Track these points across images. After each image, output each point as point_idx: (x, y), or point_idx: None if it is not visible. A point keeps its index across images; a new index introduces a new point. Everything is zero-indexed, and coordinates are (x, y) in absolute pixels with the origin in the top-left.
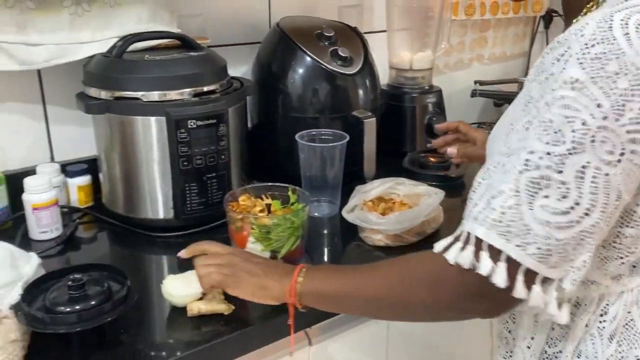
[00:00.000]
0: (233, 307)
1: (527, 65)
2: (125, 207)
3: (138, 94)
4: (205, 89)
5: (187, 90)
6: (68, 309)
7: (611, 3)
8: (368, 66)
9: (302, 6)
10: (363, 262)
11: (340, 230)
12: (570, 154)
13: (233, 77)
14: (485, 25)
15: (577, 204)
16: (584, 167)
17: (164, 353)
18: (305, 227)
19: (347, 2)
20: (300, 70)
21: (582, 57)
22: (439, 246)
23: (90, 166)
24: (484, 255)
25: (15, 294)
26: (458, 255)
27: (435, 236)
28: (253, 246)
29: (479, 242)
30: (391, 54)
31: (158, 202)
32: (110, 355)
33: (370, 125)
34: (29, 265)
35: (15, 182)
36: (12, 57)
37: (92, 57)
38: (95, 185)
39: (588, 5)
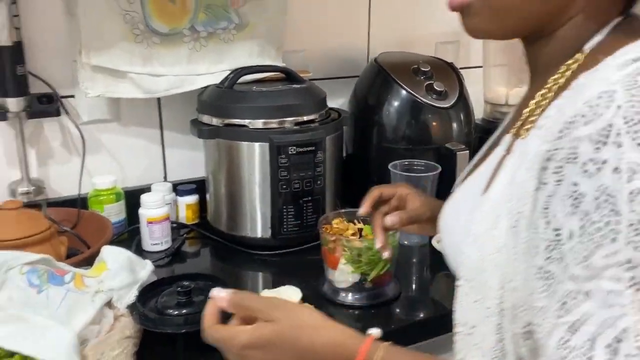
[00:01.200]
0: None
1: None
2: (227, 225)
3: (245, 122)
4: (305, 118)
5: (289, 119)
6: (176, 312)
7: (607, 51)
8: (463, 100)
9: (400, 42)
10: (451, 292)
11: (430, 259)
12: None
13: (331, 108)
14: None
15: None
16: None
17: None
18: (395, 254)
19: (444, 38)
20: (396, 103)
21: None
22: None
23: (198, 186)
24: None
25: (131, 296)
26: None
27: None
28: (344, 267)
29: None
30: (487, 89)
31: (257, 222)
32: (210, 357)
33: (462, 158)
34: (144, 271)
35: (132, 198)
36: (139, 87)
37: (206, 87)
38: (202, 204)
39: (568, 62)
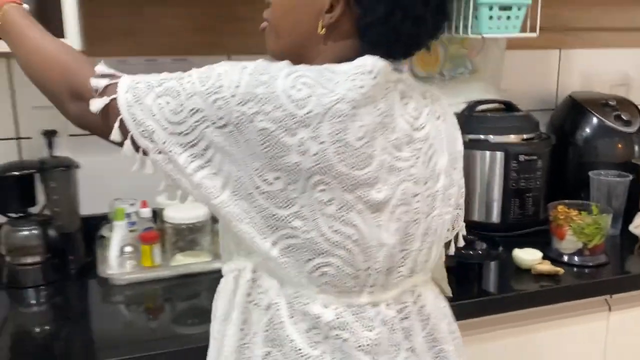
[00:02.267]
0: (562, 271)
1: None
2: (465, 213)
3: (488, 137)
4: (525, 136)
5: (517, 135)
6: None
7: None
8: None
9: (582, 83)
10: (636, 264)
11: (620, 243)
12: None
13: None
14: None
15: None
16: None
17: (514, 287)
18: (605, 232)
19: (616, 82)
20: (588, 129)
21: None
22: (98, 83)
23: None
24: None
25: None
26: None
27: None
28: (570, 237)
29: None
30: None
31: (492, 210)
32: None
33: None
34: None
35: None
36: None
37: None
38: None
39: None
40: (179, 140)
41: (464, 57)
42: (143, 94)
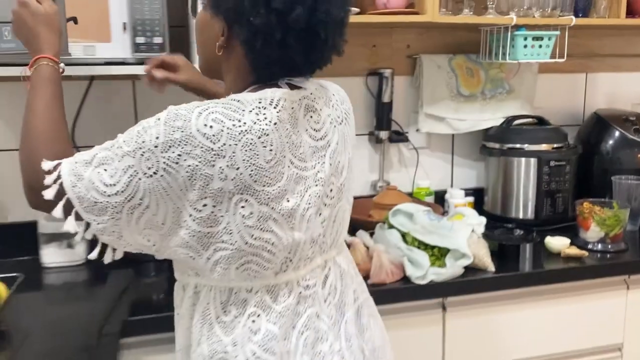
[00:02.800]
0: (587, 253)
1: None
2: (501, 210)
3: (523, 146)
4: (555, 146)
5: (549, 145)
6: None
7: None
8: None
9: (606, 102)
10: None
11: (638, 236)
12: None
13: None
14: None
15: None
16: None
17: (545, 267)
18: (624, 224)
19: (635, 100)
20: (611, 141)
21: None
22: (47, 165)
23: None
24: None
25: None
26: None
27: None
28: (594, 228)
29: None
30: None
31: (527, 208)
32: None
33: None
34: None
35: (437, 194)
36: (450, 126)
37: (490, 127)
38: (477, 203)
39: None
40: (117, 199)
41: (502, 79)
42: (82, 171)
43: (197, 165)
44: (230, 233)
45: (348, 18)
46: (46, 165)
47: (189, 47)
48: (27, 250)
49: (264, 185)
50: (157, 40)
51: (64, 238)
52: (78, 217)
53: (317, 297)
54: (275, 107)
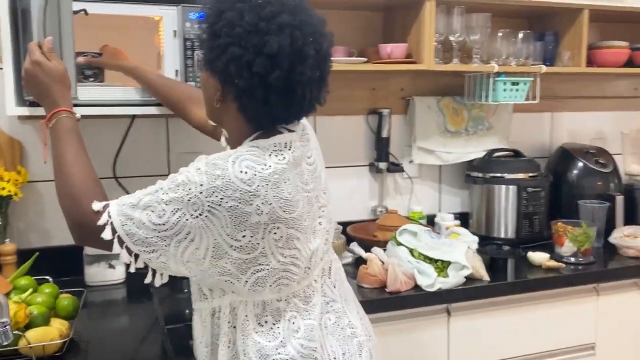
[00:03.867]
0: (564, 266)
1: None
2: (485, 230)
3: (504, 175)
4: (530, 175)
5: (525, 174)
6: None
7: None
8: (615, 169)
9: (569, 137)
10: (618, 263)
11: (602, 250)
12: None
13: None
14: None
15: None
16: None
17: (529, 277)
18: (592, 240)
19: (594, 135)
20: (576, 171)
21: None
22: (97, 206)
23: (455, 216)
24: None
25: (474, 246)
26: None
27: None
28: (568, 244)
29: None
30: (626, 166)
31: (508, 228)
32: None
33: (619, 200)
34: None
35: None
36: (438, 158)
37: (473, 159)
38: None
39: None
40: (166, 234)
41: (483, 117)
42: (130, 212)
43: (237, 205)
44: (265, 255)
45: (326, 75)
46: (96, 206)
47: None
48: (69, 271)
49: (290, 213)
50: None
51: (106, 259)
52: (129, 251)
53: (328, 287)
54: (289, 149)
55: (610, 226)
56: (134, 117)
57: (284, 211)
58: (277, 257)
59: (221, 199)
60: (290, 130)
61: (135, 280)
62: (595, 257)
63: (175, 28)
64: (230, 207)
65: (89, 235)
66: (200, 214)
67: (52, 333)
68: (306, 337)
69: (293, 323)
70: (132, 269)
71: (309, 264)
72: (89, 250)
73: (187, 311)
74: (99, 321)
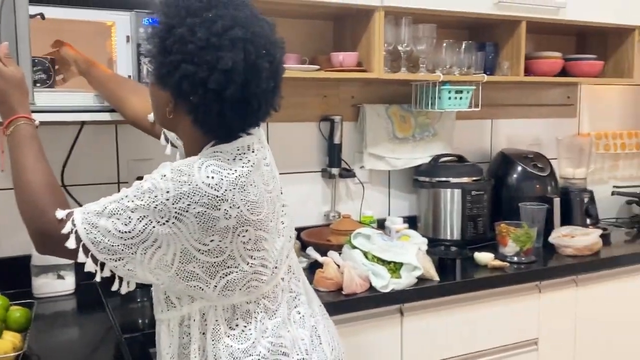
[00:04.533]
0: (508, 265)
1: None
2: (433, 232)
3: (449, 179)
4: (474, 179)
5: (469, 178)
6: None
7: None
8: (552, 173)
9: (508, 142)
10: (557, 261)
11: (543, 250)
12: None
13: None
14: (617, 157)
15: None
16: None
17: (475, 277)
18: (533, 240)
19: (531, 141)
20: (515, 175)
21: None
22: (61, 214)
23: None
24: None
25: (424, 246)
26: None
27: (597, 254)
28: (511, 244)
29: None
30: (561, 169)
31: (454, 230)
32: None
33: (557, 202)
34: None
35: (379, 222)
36: (388, 164)
37: (421, 165)
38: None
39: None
40: (132, 242)
41: (429, 124)
42: (95, 220)
43: (205, 211)
44: (234, 258)
45: (280, 83)
46: (60, 214)
47: None
48: (15, 283)
49: (257, 215)
50: None
51: (55, 270)
52: (94, 259)
53: (294, 282)
54: (252, 152)
55: (549, 227)
56: (82, 123)
57: (252, 213)
58: (246, 260)
59: (188, 205)
60: (248, 133)
61: (85, 291)
62: (536, 256)
63: (129, 33)
64: (198, 212)
65: (53, 244)
66: (167, 221)
67: (5, 346)
68: (274, 334)
69: (262, 323)
70: (97, 278)
71: (276, 264)
72: (36, 261)
73: (141, 320)
74: (51, 333)
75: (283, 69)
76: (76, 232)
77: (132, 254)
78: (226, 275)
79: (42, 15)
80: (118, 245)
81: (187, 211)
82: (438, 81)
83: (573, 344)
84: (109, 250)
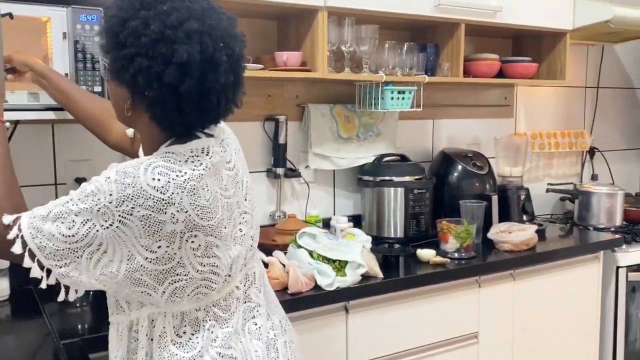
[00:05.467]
0: (449, 261)
1: (581, 179)
2: (377, 231)
3: (392, 178)
4: (416, 177)
5: (412, 177)
6: None
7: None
8: (490, 171)
9: (448, 142)
10: (495, 257)
11: (482, 246)
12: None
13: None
14: (552, 155)
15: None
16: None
17: (418, 273)
18: (473, 236)
19: (470, 140)
20: (456, 173)
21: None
22: (7, 219)
23: (348, 218)
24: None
25: (368, 245)
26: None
27: (533, 249)
28: (452, 240)
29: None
30: (499, 168)
31: (397, 228)
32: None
33: (495, 199)
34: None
35: (324, 221)
36: (333, 164)
37: (365, 164)
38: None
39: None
40: (77, 246)
41: (372, 124)
42: (40, 224)
43: (150, 214)
44: (183, 266)
45: (240, 78)
46: (6, 219)
47: None
48: None
49: (208, 220)
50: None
51: None
52: (40, 265)
53: (254, 292)
54: (207, 155)
55: (487, 223)
56: (17, 122)
57: (202, 219)
58: (195, 267)
59: (132, 208)
60: (208, 135)
61: (21, 296)
62: (476, 252)
63: (65, 30)
64: (143, 216)
65: (2, 250)
66: (110, 225)
67: None
68: (223, 345)
69: (212, 332)
70: (43, 285)
71: (229, 272)
72: None
73: (80, 325)
74: None
75: (244, 63)
76: (22, 237)
77: (78, 258)
78: (175, 282)
79: (10, 15)
80: (63, 250)
81: (131, 214)
82: (381, 82)
83: (511, 336)
84: (54, 255)
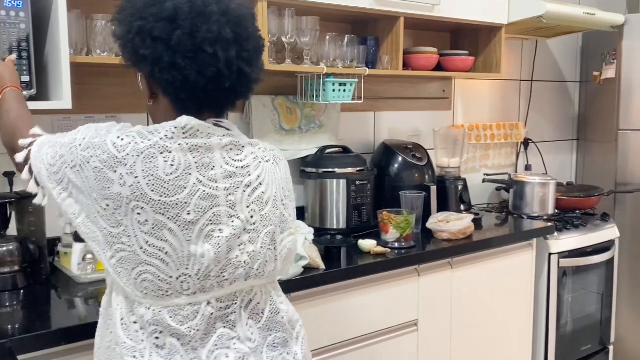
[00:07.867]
0: (389, 251)
1: (516, 169)
2: (320, 222)
3: (334, 170)
4: (358, 169)
5: (353, 169)
6: None
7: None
8: (429, 162)
9: (389, 134)
10: (434, 246)
11: (421, 235)
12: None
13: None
14: (488, 147)
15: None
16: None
17: (359, 263)
18: (412, 226)
19: (410, 132)
20: (397, 164)
21: None
22: (24, 142)
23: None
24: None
25: (309, 237)
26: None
27: (470, 238)
28: (392, 231)
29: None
30: (438, 159)
31: (340, 219)
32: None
33: (433, 190)
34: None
35: None
36: None
37: (307, 156)
38: (299, 219)
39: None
40: (54, 177)
41: (314, 116)
42: (43, 147)
43: (102, 168)
44: (129, 236)
45: (244, 39)
46: (22, 142)
47: None
48: None
49: (160, 196)
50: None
51: None
52: (36, 182)
53: (236, 320)
54: (185, 133)
55: (426, 213)
56: None
57: (152, 190)
58: (140, 243)
59: (90, 156)
60: (220, 126)
61: None
62: (415, 241)
63: None
64: (95, 167)
65: (18, 167)
66: (74, 166)
67: None
68: (169, 358)
69: (157, 338)
70: (37, 200)
71: (186, 270)
72: None
73: (10, 326)
74: None
75: (245, 21)
76: (29, 152)
77: (52, 189)
78: (120, 251)
79: None
80: (46, 176)
81: (88, 162)
82: (322, 73)
83: (450, 322)
84: (40, 177)
